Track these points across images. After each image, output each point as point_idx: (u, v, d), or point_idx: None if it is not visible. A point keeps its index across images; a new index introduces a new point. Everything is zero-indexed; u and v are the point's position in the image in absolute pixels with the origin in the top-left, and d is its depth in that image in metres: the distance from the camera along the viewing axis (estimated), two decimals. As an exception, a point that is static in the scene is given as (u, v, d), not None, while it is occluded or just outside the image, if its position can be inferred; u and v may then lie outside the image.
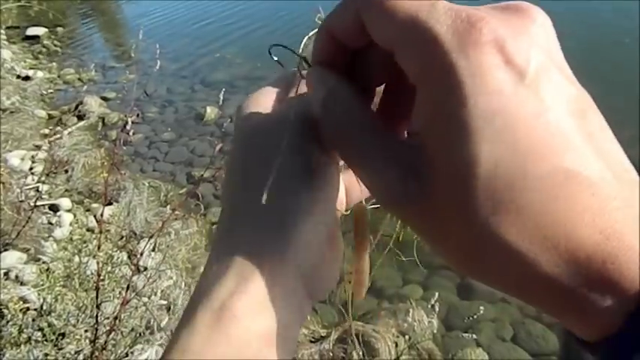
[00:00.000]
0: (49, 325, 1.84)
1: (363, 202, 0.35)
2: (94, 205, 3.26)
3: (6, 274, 2.43)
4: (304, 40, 0.36)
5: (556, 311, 0.22)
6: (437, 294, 2.06)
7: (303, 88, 0.33)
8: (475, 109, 0.20)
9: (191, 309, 0.28)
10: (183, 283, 2.59)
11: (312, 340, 2.29)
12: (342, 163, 0.33)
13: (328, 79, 0.28)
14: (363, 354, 2.12)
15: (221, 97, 2.23)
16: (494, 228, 0.20)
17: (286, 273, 0.29)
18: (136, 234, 2.93)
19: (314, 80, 0.29)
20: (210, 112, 4.37)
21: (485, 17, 0.21)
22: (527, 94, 0.20)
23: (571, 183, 0.19)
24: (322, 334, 2.31)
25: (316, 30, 0.31)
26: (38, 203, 2.88)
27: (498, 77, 0.20)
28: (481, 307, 2.25)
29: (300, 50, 0.35)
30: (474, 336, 2.25)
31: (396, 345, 2.09)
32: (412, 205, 0.23)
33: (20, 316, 1.90)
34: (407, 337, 2.19)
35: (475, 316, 2.20)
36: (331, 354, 2.10)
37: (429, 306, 2.01)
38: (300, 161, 0.30)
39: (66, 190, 3.46)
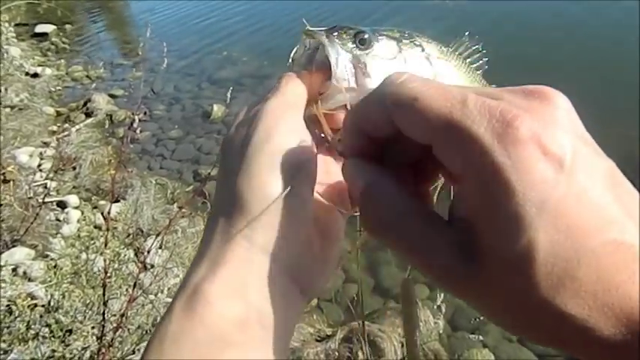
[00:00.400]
0: (57, 321, 1.85)
1: (409, 276, 0.37)
2: (102, 203, 3.27)
3: (14, 270, 2.44)
4: (292, 54, 0.38)
5: None
6: (443, 295, 2.06)
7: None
8: (525, 200, 0.22)
9: (173, 298, 0.30)
10: (189, 281, 2.59)
11: (318, 339, 2.29)
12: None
13: (365, 173, 0.29)
14: (368, 353, 2.11)
15: (228, 95, 2.23)
16: (556, 302, 0.22)
17: (260, 261, 0.30)
18: (142, 231, 2.94)
19: (351, 173, 0.30)
20: (217, 109, 4.37)
21: (519, 115, 0.23)
22: (568, 180, 0.22)
23: (618, 251, 0.22)
24: (328, 333, 2.31)
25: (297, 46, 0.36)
26: (46, 200, 2.90)
27: (540, 169, 0.22)
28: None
29: (291, 59, 0.38)
30: (481, 337, 2.24)
31: (402, 345, 2.08)
32: (469, 284, 0.25)
33: (28, 312, 1.91)
34: (413, 337, 2.18)
35: (482, 317, 2.19)
36: (337, 353, 2.10)
37: (435, 307, 2.00)
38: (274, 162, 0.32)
39: (74, 187, 3.48)
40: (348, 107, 0.35)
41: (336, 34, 0.35)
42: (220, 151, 0.35)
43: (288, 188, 0.31)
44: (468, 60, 0.41)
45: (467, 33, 0.41)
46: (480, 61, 0.42)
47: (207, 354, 0.27)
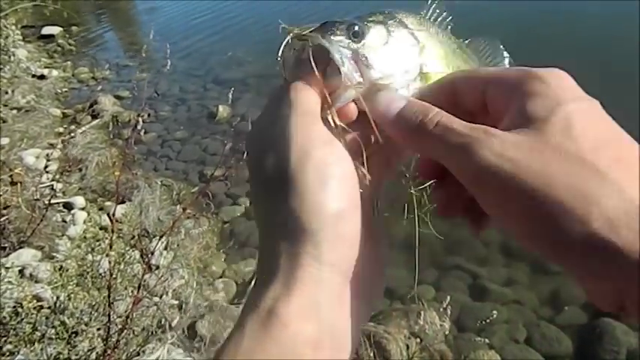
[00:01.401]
0: (62, 323, 1.85)
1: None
2: (107, 204, 3.29)
3: (21, 271, 2.45)
4: (280, 51, 0.37)
5: None
6: (449, 297, 2.05)
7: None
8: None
9: (240, 319, 0.30)
10: (194, 282, 2.60)
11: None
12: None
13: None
14: (374, 355, 2.10)
15: (230, 96, 2.23)
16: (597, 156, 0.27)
17: (330, 279, 0.31)
18: (148, 232, 2.95)
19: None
20: (223, 110, 4.38)
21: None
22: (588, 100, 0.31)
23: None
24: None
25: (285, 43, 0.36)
26: (53, 201, 2.91)
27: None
28: (494, 311, 2.23)
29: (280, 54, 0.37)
30: (487, 340, 2.23)
31: (407, 347, 2.07)
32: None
33: (34, 313, 1.92)
34: (418, 338, 2.17)
35: (489, 320, 2.18)
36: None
37: (442, 309, 1.99)
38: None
39: (80, 189, 3.50)
40: (361, 99, 0.35)
41: (330, 32, 0.35)
42: (253, 179, 0.35)
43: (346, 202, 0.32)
44: (437, 22, 0.42)
45: None
46: (447, 20, 0.43)
47: None
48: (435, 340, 2.20)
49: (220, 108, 4.38)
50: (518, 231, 0.28)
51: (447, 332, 2.23)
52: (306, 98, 0.34)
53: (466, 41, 0.45)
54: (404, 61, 0.37)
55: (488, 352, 2.21)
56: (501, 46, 0.44)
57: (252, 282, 0.34)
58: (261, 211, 0.34)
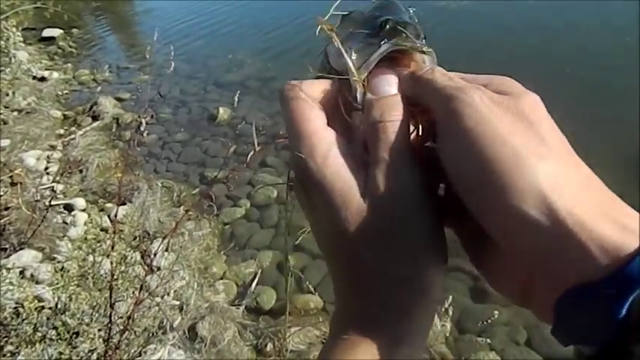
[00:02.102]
0: (64, 324, 1.86)
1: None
2: (108, 205, 3.29)
3: (21, 272, 2.46)
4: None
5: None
6: (450, 298, 2.05)
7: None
8: None
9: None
10: (195, 284, 2.60)
11: (324, 341, 2.28)
12: None
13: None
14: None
15: (235, 99, 2.24)
16: None
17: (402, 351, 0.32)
18: (149, 234, 2.95)
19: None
20: (223, 112, 4.38)
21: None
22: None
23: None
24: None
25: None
26: (53, 203, 2.91)
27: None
28: (495, 312, 2.23)
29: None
30: (489, 340, 2.23)
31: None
32: None
33: (35, 314, 1.92)
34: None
35: (489, 320, 2.18)
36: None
37: (443, 309, 1.99)
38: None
39: (80, 190, 3.50)
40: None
41: (406, 34, 0.35)
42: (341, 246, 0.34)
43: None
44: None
45: None
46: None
47: None
48: (435, 342, 2.20)
49: (221, 110, 4.39)
50: (468, 189, 0.31)
51: (447, 334, 2.23)
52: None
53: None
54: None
55: (489, 354, 2.21)
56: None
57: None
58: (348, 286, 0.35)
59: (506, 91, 0.32)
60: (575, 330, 0.27)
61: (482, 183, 0.29)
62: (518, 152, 0.28)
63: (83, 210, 3.20)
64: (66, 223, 3.06)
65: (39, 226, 2.75)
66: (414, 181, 0.32)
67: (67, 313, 1.93)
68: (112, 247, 1.92)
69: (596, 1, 5.54)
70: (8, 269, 2.41)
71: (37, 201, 2.97)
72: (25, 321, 1.90)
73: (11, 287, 2.16)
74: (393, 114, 0.33)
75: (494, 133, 0.29)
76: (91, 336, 1.84)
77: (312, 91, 0.36)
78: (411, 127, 0.35)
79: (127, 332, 1.79)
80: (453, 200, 0.33)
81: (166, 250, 2.62)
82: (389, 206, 0.32)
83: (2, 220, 2.85)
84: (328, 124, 0.35)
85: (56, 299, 2.03)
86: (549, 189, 0.27)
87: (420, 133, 0.36)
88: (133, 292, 2.00)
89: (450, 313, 2.01)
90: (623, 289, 0.24)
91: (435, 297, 0.34)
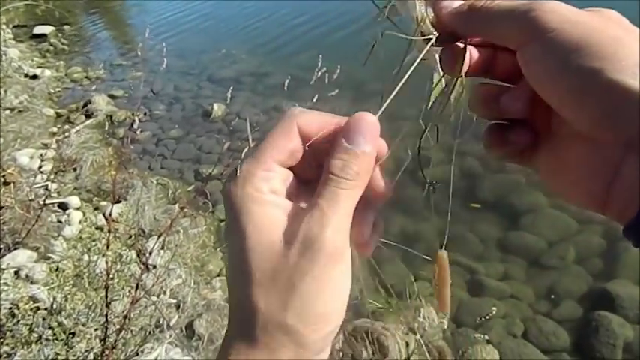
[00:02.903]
0: (60, 324, 1.85)
1: (444, 252, 0.40)
2: (103, 204, 3.27)
3: (16, 272, 2.44)
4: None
5: None
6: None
7: None
8: None
9: None
10: (192, 281, 2.60)
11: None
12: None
13: None
14: (372, 351, 2.11)
15: (228, 95, 2.23)
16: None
17: (292, 350, 0.30)
18: (144, 232, 2.94)
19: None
20: (218, 109, 4.36)
21: None
22: None
23: None
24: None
25: None
26: (47, 202, 2.89)
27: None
28: (493, 307, 2.24)
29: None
30: (485, 335, 2.24)
31: (407, 344, 2.07)
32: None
33: (31, 315, 1.91)
34: (417, 335, 2.18)
35: (487, 318, 2.19)
36: (341, 353, 2.10)
37: (440, 312, 1.99)
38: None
39: (75, 189, 3.48)
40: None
41: None
42: (240, 248, 0.32)
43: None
44: None
45: None
46: None
47: None
48: (433, 337, 2.21)
49: (215, 106, 4.37)
50: (562, 80, 0.29)
51: (444, 328, 2.23)
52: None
53: None
54: None
55: (486, 347, 2.22)
56: None
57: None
58: (242, 295, 0.32)
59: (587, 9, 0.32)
60: None
61: (579, 69, 0.28)
62: (615, 36, 0.28)
63: (78, 209, 3.19)
64: (60, 222, 3.04)
65: (33, 225, 2.73)
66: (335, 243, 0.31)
67: (62, 313, 1.92)
68: (108, 246, 1.90)
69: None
70: (3, 269, 2.39)
71: (31, 200, 2.94)
72: (21, 321, 1.89)
73: (6, 287, 2.14)
74: (358, 178, 0.32)
75: (587, 26, 0.29)
76: (88, 336, 1.83)
77: (309, 121, 0.34)
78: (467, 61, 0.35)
79: (123, 331, 1.78)
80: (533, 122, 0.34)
81: (162, 247, 2.61)
82: (295, 262, 0.30)
83: (-4, 220, 2.83)
84: (301, 160, 0.34)
85: (52, 299, 2.02)
86: None
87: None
88: (129, 291, 2.00)
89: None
90: None
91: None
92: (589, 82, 0.27)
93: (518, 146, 0.35)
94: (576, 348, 2.22)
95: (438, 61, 0.36)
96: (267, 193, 0.32)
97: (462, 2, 0.35)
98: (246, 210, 0.31)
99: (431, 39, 0.35)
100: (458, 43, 0.35)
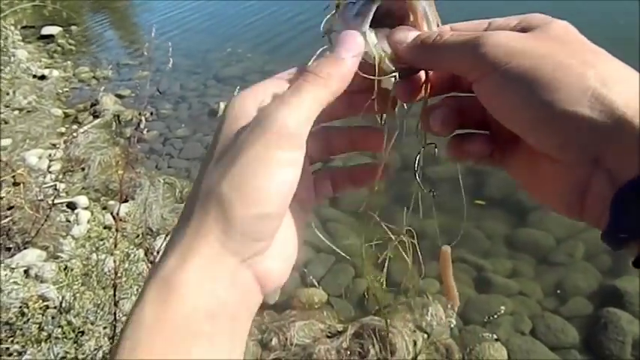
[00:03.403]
0: (69, 323, 1.86)
1: (448, 249, 0.44)
2: (111, 203, 3.29)
3: (26, 271, 2.46)
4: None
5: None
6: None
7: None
8: None
9: (143, 287, 0.30)
10: (199, 280, 2.60)
11: (329, 335, 2.28)
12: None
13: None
14: (380, 349, 2.11)
15: (235, 93, 2.23)
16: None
17: (226, 257, 0.30)
18: (152, 231, 2.95)
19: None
20: (224, 107, 4.37)
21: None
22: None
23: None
24: (339, 329, 2.31)
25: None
26: (56, 201, 2.92)
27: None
28: (502, 307, 2.23)
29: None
30: (493, 332, 2.23)
31: (415, 343, 2.07)
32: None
33: (40, 314, 1.93)
34: (424, 333, 2.18)
35: (495, 315, 2.18)
36: (348, 352, 2.10)
37: (449, 305, 1.99)
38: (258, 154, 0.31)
39: (83, 188, 3.50)
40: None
41: None
42: (214, 138, 0.34)
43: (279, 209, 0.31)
44: None
45: None
46: None
47: (180, 343, 0.28)
48: (441, 335, 2.20)
49: (222, 105, 4.38)
50: (517, 105, 0.30)
51: (452, 326, 2.23)
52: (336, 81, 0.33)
53: None
54: None
55: (494, 345, 2.21)
56: None
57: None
58: (202, 169, 0.33)
59: (535, 24, 0.32)
60: (632, 224, 0.27)
61: (533, 103, 0.29)
62: (562, 64, 0.29)
63: (86, 208, 3.21)
64: (69, 222, 3.07)
65: (42, 225, 2.76)
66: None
67: (71, 311, 1.94)
68: (115, 245, 1.92)
69: None
70: (12, 269, 2.42)
71: (40, 200, 2.97)
72: (31, 320, 1.91)
73: (16, 287, 2.16)
74: (329, 78, 0.32)
75: (534, 56, 0.30)
76: (97, 334, 1.85)
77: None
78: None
79: (131, 330, 1.79)
80: (496, 136, 0.35)
81: (169, 246, 2.61)
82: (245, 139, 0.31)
83: (6, 220, 2.86)
84: None
85: (61, 298, 2.04)
86: (601, 87, 0.28)
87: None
88: (137, 290, 2.01)
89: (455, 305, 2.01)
90: None
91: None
92: (545, 115, 0.29)
93: (477, 156, 0.36)
94: (585, 345, 2.21)
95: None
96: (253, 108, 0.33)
97: (416, 36, 0.35)
98: (230, 106, 0.34)
99: (394, 75, 0.36)
100: (421, 74, 0.37)
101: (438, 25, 0.37)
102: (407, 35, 0.35)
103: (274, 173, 0.30)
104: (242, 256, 0.31)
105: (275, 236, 0.32)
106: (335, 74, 0.33)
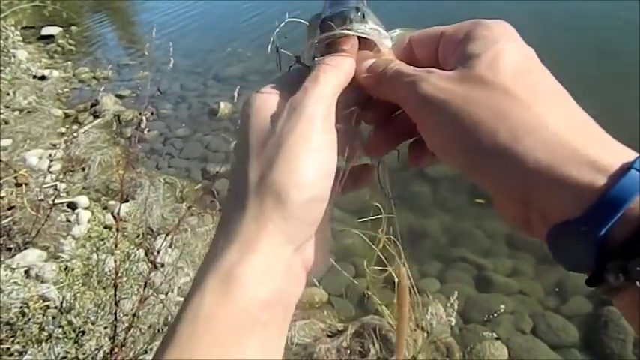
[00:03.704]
0: (69, 322, 1.87)
1: (405, 269, 0.43)
2: (111, 203, 3.29)
3: (27, 271, 2.47)
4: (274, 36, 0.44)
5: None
6: (456, 293, 2.04)
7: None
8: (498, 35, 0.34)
9: (201, 277, 0.32)
10: (200, 279, 2.60)
11: (330, 334, 2.29)
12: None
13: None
14: (380, 348, 2.11)
15: (235, 93, 2.23)
16: (524, 82, 0.31)
17: (284, 247, 0.33)
18: (152, 231, 2.96)
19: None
20: (224, 107, 4.37)
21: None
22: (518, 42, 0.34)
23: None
24: (339, 329, 2.31)
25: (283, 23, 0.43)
26: (57, 201, 2.92)
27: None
28: (502, 306, 2.23)
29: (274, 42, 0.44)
30: (493, 331, 2.23)
31: (415, 342, 2.07)
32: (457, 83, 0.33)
33: (41, 314, 1.93)
34: (425, 332, 2.18)
35: (496, 314, 2.18)
36: (349, 351, 2.10)
37: (449, 304, 1.99)
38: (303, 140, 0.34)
39: (83, 188, 3.51)
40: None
41: (350, 20, 0.39)
42: (244, 134, 0.36)
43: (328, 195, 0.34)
44: None
45: None
46: None
47: (239, 331, 0.30)
48: (441, 334, 2.20)
49: (222, 105, 4.38)
50: (445, 149, 0.33)
51: (452, 324, 2.23)
52: (331, 80, 0.36)
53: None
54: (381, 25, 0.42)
55: (495, 344, 2.22)
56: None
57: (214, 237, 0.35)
58: (240, 169, 0.35)
59: (472, 53, 0.32)
60: (566, 260, 0.29)
61: (464, 149, 0.31)
62: (478, 117, 0.30)
63: (86, 208, 3.21)
64: (69, 222, 3.07)
65: (43, 225, 2.76)
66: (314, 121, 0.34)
67: (72, 311, 1.94)
68: (116, 245, 1.92)
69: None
70: (13, 269, 2.42)
71: (40, 200, 2.97)
72: (31, 320, 1.91)
73: (17, 287, 2.17)
74: (337, 64, 0.36)
75: (457, 105, 0.31)
76: (97, 334, 1.85)
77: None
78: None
79: (132, 329, 1.80)
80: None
81: (170, 246, 2.62)
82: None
83: (6, 220, 2.86)
84: None
85: (61, 298, 2.04)
86: (510, 142, 0.29)
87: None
88: (138, 290, 2.01)
89: (454, 303, 2.01)
90: (596, 225, 0.26)
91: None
92: (468, 161, 0.31)
93: (431, 164, 0.38)
94: (586, 343, 2.21)
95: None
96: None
97: (372, 64, 0.38)
98: (252, 105, 0.37)
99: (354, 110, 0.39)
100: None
101: (383, 31, 0.40)
102: (365, 64, 0.38)
103: (317, 157, 0.33)
104: (296, 242, 0.33)
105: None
106: (341, 61, 0.37)
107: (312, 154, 0.33)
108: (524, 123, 0.29)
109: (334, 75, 0.36)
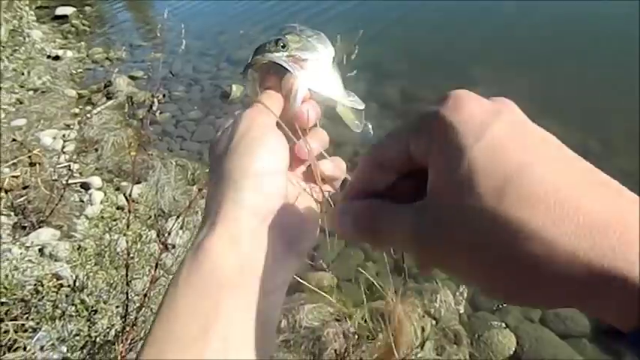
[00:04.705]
0: (82, 301, 1.90)
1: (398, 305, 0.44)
2: (124, 184, 3.32)
3: (40, 250, 2.51)
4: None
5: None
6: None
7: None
8: (466, 135, 0.27)
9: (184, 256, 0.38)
10: (210, 261, 2.62)
11: (338, 318, 2.30)
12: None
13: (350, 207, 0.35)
14: (391, 333, 2.12)
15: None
16: (502, 207, 0.25)
17: (248, 219, 0.37)
18: (164, 212, 2.98)
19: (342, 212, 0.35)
20: (236, 90, 4.36)
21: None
22: (500, 122, 0.28)
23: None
24: (348, 313, 2.32)
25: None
26: (70, 181, 2.95)
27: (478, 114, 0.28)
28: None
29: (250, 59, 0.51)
30: (502, 320, 2.23)
31: (423, 329, 2.08)
32: (422, 234, 0.29)
33: (54, 292, 1.96)
34: (433, 319, 2.18)
35: (504, 303, 2.17)
36: (356, 336, 2.11)
37: (458, 292, 1.99)
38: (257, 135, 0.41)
39: (96, 169, 3.54)
40: (309, 93, 0.47)
41: (266, 51, 0.48)
42: (210, 148, 0.43)
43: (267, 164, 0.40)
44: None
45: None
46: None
47: (209, 292, 0.34)
48: (450, 321, 2.21)
49: (234, 87, 4.37)
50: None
51: (461, 312, 2.23)
52: (266, 101, 0.44)
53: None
54: (313, 48, 0.49)
55: (503, 331, 2.22)
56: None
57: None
58: (211, 170, 0.42)
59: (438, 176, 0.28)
60: None
61: (447, 253, 0.30)
62: (478, 213, 0.25)
63: (99, 189, 3.24)
64: (82, 202, 3.11)
65: (57, 204, 2.80)
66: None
67: (85, 290, 1.97)
68: (128, 226, 1.94)
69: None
70: (27, 247, 2.46)
71: (54, 180, 3.01)
72: (45, 298, 1.94)
73: (31, 265, 2.20)
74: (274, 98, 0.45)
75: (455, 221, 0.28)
76: (109, 313, 1.88)
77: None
78: None
79: (143, 309, 1.82)
80: None
81: (181, 228, 2.64)
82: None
83: (21, 199, 2.90)
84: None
85: (74, 277, 2.07)
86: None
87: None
88: (149, 270, 2.03)
89: (463, 290, 2.01)
90: None
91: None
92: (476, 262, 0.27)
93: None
94: (594, 333, 2.20)
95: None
96: None
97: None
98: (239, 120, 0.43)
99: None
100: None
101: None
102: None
103: (269, 151, 0.40)
104: (261, 213, 0.38)
105: (285, 194, 0.40)
106: (273, 97, 0.45)
107: (263, 151, 0.40)
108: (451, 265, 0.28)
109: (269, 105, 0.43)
